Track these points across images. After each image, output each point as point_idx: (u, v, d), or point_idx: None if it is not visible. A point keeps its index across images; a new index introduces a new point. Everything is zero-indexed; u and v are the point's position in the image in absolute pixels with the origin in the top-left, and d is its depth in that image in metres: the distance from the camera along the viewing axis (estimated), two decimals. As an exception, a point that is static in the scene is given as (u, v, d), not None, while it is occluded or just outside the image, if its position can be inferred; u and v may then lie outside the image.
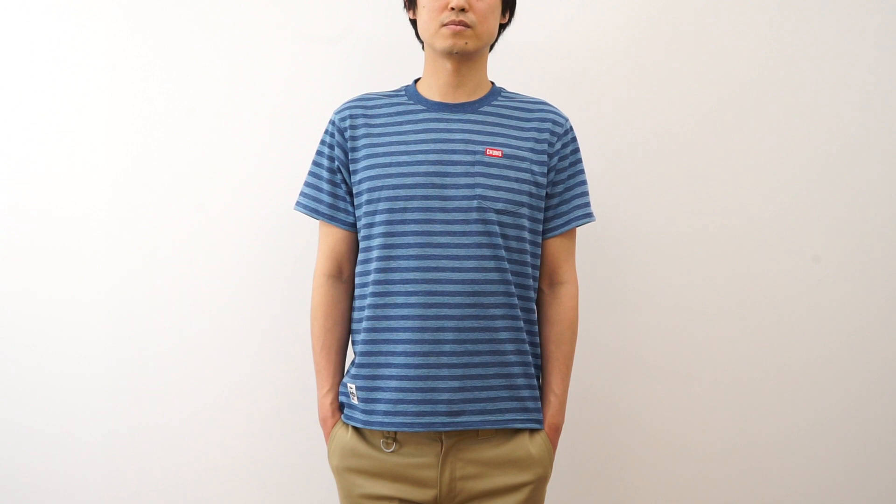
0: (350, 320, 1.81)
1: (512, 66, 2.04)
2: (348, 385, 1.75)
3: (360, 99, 1.82)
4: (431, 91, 1.78)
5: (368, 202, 1.73)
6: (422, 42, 1.81)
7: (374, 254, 1.72)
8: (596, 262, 2.17)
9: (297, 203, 1.83)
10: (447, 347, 1.67)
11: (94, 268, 2.20)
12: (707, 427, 2.21)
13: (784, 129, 2.19)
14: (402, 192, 1.70)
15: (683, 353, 2.20)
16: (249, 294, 2.20)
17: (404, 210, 1.69)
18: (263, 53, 2.19)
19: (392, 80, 1.94)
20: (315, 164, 1.82)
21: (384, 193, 1.71)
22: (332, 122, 1.80)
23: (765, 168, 2.19)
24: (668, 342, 2.20)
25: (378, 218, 1.71)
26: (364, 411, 1.71)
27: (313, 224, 2.13)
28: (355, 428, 1.75)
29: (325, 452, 1.87)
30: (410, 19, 1.83)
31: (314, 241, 2.15)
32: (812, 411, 2.21)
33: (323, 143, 1.82)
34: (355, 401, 1.73)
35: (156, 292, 2.20)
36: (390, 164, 1.72)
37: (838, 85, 2.19)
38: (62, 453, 2.21)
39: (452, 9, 1.68)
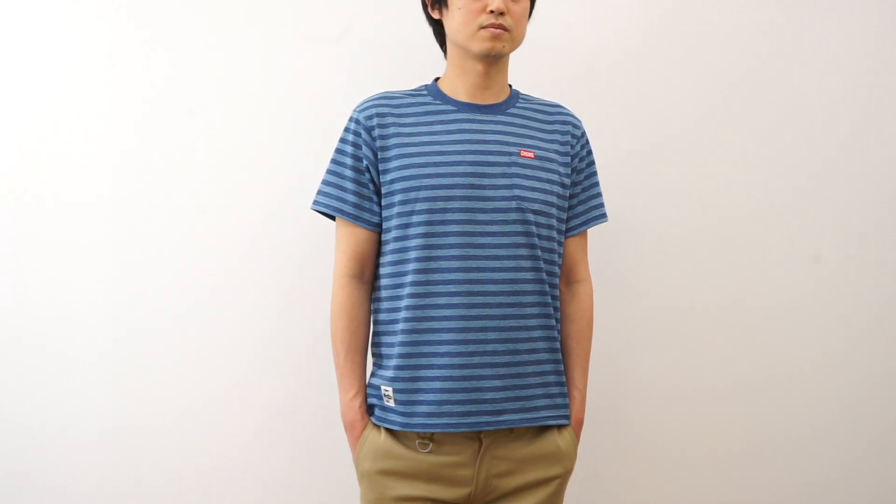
0: (370, 322, 1.80)
1: (517, 65, 2.04)
2: (382, 388, 1.72)
3: (383, 97, 1.78)
4: (458, 92, 1.78)
5: (403, 202, 1.71)
6: (440, 41, 1.82)
7: (413, 255, 1.70)
8: (596, 262, 2.17)
9: (317, 202, 1.77)
10: (490, 347, 1.67)
11: (94, 267, 2.20)
12: (706, 427, 2.21)
13: (785, 130, 2.20)
14: (441, 193, 1.69)
15: (683, 352, 2.20)
16: (248, 293, 2.19)
17: (444, 211, 1.69)
18: (264, 53, 2.18)
19: (393, 80, 1.94)
20: (337, 162, 1.76)
21: (422, 194, 1.69)
22: (356, 121, 1.76)
23: (765, 168, 2.19)
24: (667, 342, 2.20)
25: (416, 219, 1.70)
26: (403, 413, 1.69)
27: (311, 224, 2.13)
28: (388, 430, 1.72)
29: (325, 452, 1.87)
30: (434, 19, 1.81)
31: (313, 241, 2.15)
32: (812, 411, 2.21)
33: (345, 141, 1.77)
34: (391, 403, 1.70)
35: (155, 291, 2.20)
36: (426, 165, 1.70)
37: (839, 85, 2.19)
38: (59, 450, 2.20)
39: (492, 12, 1.69)
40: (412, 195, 1.70)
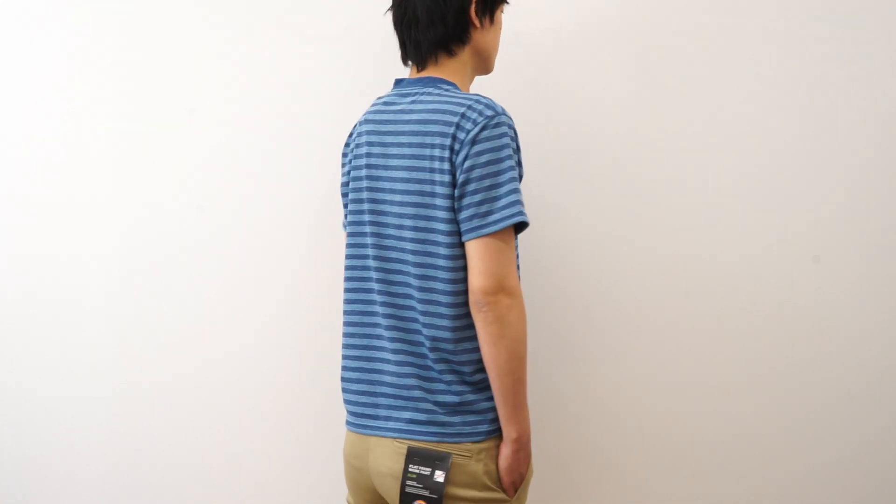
0: None
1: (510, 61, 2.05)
2: None
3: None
4: None
5: None
6: (454, 45, 1.72)
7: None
8: (596, 265, 2.17)
9: (522, 213, 1.60)
10: None
11: (96, 265, 2.23)
12: (705, 426, 2.21)
13: (785, 129, 2.18)
14: None
15: (683, 354, 2.20)
16: (248, 293, 2.21)
17: None
18: (264, 52, 2.19)
19: (393, 80, 1.94)
20: (514, 170, 1.62)
21: None
22: (515, 131, 1.66)
23: (765, 167, 2.18)
24: (667, 342, 2.20)
25: None
26: None
27: (312, 223, 2.15)
28: None
29: (324, 451, 1.89)
30: (472, 24, 1.72)
31: (313, 241, 2.16)
32: (811, 411, 2.20)
33: (516, 149, 1.66)
34: None
35: (157, 289, 2.23)
36: None
37: (840, 84, 2.18)
38: (66, 422, 2.25)
39: None
40: None
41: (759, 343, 2.20)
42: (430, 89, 1.68)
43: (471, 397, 1.62)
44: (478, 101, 1.62)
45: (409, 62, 1.77)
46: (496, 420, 1.64)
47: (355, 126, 1.78)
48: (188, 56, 2.20)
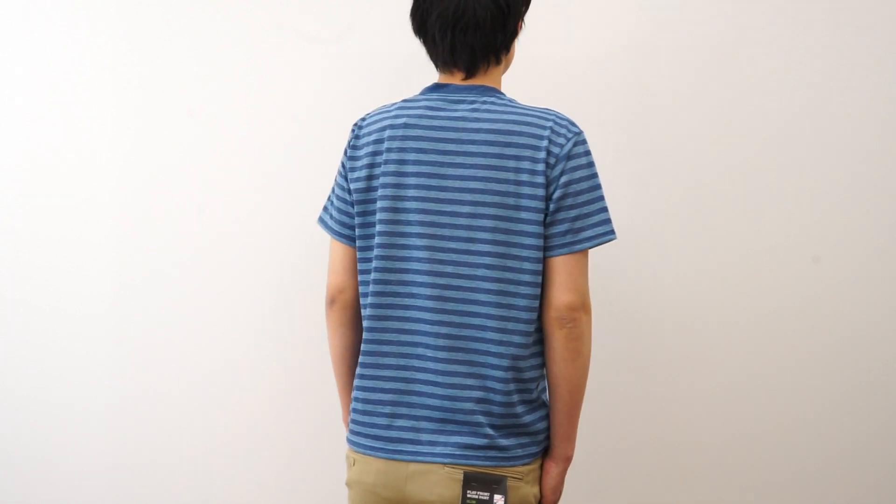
0: None
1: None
2: None
3: None
4: None
5: None
6: (502, 53, 1.64)
7: None
8: (595, 265, 2.17)
9: (613, 231, 1.60)
10: None
11: (96, 264, 2.23)
12: (704, 427, 2.22)
13: (785, 129, 2.18)
14: None
15: (683, 353, 2.21)
16: (247, 295, 2.22)
17: None
18: (264, 53, 2.19)
19: (394, 80, 1.94)
20: (602, 186, 1.61)
21: None
22: None
23: (765, 168, 2.19)
24: (667, 343, 2.21)
25: None
26: None
27: (308, 229, 2.13)
28: None
29: (323, 453, 1.88)
30: (516, 35, 1.66)
31: (311, 241, 2.15)
32: (811, 411, 2.21)
33: None
34: None
35: (156, 289, 2.23)
36: None
37: (840, 84, 2.18)
38: (66, 427, 2.26)
39: None
40: None
41: (758, 343, 2.21)
42: (492, 98, 1.59)
43: (527, 418, 1.58)
44: (559, 116, 1.58)
45: (450, 67, 1.62)
46: (543, 441, 1.61)
47: (366, 129, 1.62)
48: (187, 56, 2.19)
